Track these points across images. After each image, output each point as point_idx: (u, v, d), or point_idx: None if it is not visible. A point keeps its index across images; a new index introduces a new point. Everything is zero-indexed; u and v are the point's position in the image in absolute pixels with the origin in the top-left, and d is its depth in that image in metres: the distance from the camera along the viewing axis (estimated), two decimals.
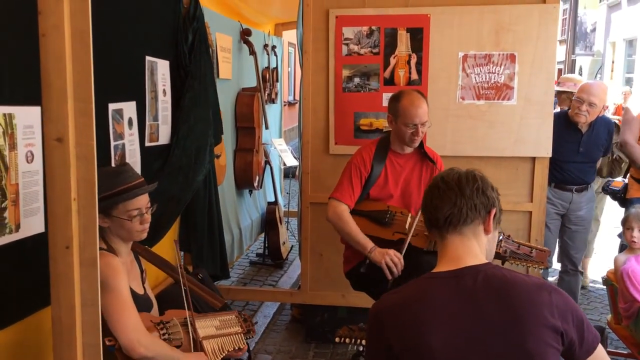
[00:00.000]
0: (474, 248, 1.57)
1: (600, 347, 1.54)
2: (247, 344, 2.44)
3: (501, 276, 1.50)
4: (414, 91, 3.01)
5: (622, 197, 4.15)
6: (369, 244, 2.84)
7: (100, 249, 2.06)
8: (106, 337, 1.96)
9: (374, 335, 1.57)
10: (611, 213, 6.64)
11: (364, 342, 2.66)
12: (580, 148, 3.77)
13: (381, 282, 2.78)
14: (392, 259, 2.76)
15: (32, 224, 2.10)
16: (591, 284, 5.04)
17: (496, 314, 1.44)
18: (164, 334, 2.12)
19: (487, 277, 1.50)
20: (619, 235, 3.53)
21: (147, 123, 3.02)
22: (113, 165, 2.63)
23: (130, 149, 2.83)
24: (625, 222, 3.40)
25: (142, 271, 2.33)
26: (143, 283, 2.32)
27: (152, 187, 2.21)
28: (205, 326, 2.29)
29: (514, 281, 1.49)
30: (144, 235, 2.21)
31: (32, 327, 2.15)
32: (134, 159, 2.87)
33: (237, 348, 2.36)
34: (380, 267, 2.76)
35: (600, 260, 5.42)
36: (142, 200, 2.17)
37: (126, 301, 2.02)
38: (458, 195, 1.55)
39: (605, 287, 3.66)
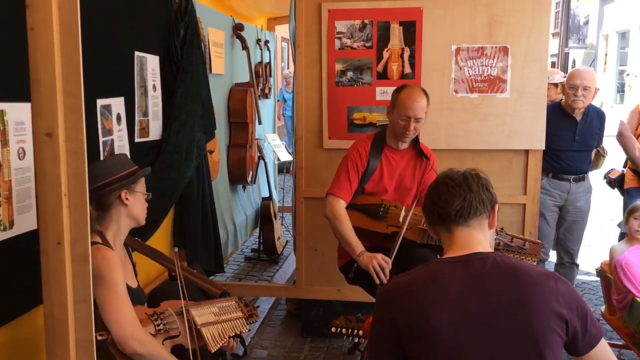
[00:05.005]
0: (481, 239, 1.63)
1: (603, 341, 1.56)
2: (248, 328, 2.42)
3: (509, 263, 1.55)
4: (418, 87, 3.03)
5: (619, 186, 4.27)
6: (358, 248, 2.83)
7: (96, 242, 2.06)
8: (97, 331, 1.94)
9: (380, 314, 1.60)
10: (606, 205, 6.68)
11: (360, 332, 2.65)
12: (576, 137, 3.80)
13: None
14: (380, 263, 2.74)
15: (26, 221, 2.09)
16: (585, 276, 5.06)
17: (502, 297, 1.48)
18: (158, 325, 2.10)
19: (496, 262, 1.55)
20: (619, 225, 3.53)
21: (137, 119, 3.01)
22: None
23: (119, 145, 2.82)
24: (634, 211, 3.36)
25: (133, 265, 2.33)
26: (136, 276, 2.31)
27: (148, 170, 2.32)
28: (203, 313, 2.27)
29: (521, 268, 1.54)
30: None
31: (25, 324, 2.14)
32: None
33: (239, 333, 2.35)
34: (367, 271, 2.76)
35: (595, 251, 5.45)
36: None
37: (122, 295, 2.01)
38: (467, 190, 1.61)
39: (599, 278, 3.67)
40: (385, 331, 1.55)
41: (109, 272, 2.00)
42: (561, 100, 3.95)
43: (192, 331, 2.16)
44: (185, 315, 2.18)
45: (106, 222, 2.15)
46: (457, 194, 1.61)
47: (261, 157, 5.59)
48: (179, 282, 2.25)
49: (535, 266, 1.59)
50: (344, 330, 2.65)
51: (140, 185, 2.24)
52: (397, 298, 1.56)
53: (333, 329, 2.66)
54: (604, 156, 4.20)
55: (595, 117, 3.90)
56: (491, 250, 1.64)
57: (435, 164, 3.06)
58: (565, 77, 4.41)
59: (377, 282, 2.73)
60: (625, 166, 4.36)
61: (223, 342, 2.25)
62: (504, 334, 1.46)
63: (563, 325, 1.48)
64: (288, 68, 12.83)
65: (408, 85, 3.01)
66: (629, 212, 3.42)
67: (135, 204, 2.20)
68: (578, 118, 3.81)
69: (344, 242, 2.90)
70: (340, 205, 2.92)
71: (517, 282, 1.50)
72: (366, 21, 3.61)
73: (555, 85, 4.65)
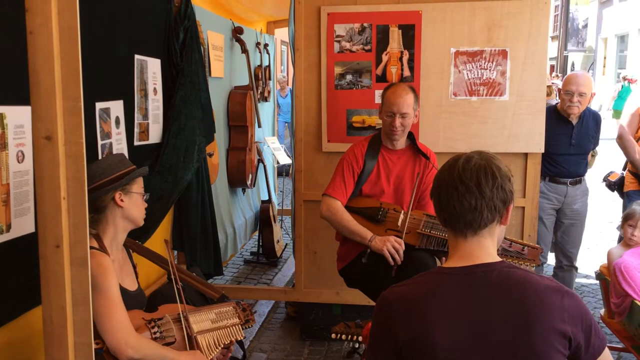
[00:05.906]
0: (489, 247, 1.54)
1: (606, 350, 1.53)
2: (244, 335, 2.41)
3: (515, 276, 1.48)
4: (404, 84, 3.07)
5: (618, 189, 4.27)
6: (368, 234, 2.83)
7: (92, 247, 2.06)
8: (94, 339, 1.95)
9: (379, 325, 1.54)
10: (604, 208, 6.68)
11: (360, 338, 2.66)
12: (573, 140, 3.81)
13: (377, 279, 2.78)
14: (394, 245, 2.75)
15: (23, 224, 2.09)
16: (584, 279, 5.06)
17: (506, 313, 1.43)
18: (155, 332, 2.10)
19: (501, 275, 1.47)
20: (618, 228, 3.53)
21: (136, 122, 3.01)
22: None
23: (118, 148, 2.82)
24: (629, 218, 3.36)
25: (134, 266, 2.33)
26: (136, 278, 2.31)
27: (144, 170, 2.30)
28: (200, 320, 2.26)
29: (527, 281, 1.46)
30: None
31: (23, 327, 2.14)
32: None
33: (233, 340, 2.35)
34: (382, 255, 2.75)
35: (594, 254, 5.45)
36: None
37: (115, 302, 2.00)
38: (478, 199, 1.47)
39: (598, 281, 3.67)
40: (385, 339, 1.52)
41: (103, 278, 1.99)
42: (557, 103, 3.95)
43: (190, 339, 2.16)
44: (183, 322, 2.18)
45: (102, 224, 2.15)
46: (467, 204, 1.47)
47: (260, 161, 5.59)
48: (174, 287, 2.24)
49: (542, 278, 1.50)
50: (343, 337, 2.65)
51: (137, 186, 2.21)
52: (395, 312, 1.50)
53: (333, 335, 2.66)
54: (593, 156, 4.21)
55: (591, 120, 3.90)
56: (497, 258, 1.54)
57: (436, 163, 3.06)
58: (553, 80, 4.41)
59: (393, 264, 2.74)
60: (624, 169, 4.36)
61: (218, 350, 2.25)
62: (505, 349, 1.41)
63: (566, 343, 1.43)
64: (286, 71, 12.78)
65: (395, 83, 3.03)
66: (624, 219, 3.43)
67: (131, 205, 2.18)
68: (574, 122, 3.82)
69: (350, 233, 2.88)
70: (336, 204, 2.93)
71: (522, 297, 1.43)
72: (365, 24, 3.61)
73: None
